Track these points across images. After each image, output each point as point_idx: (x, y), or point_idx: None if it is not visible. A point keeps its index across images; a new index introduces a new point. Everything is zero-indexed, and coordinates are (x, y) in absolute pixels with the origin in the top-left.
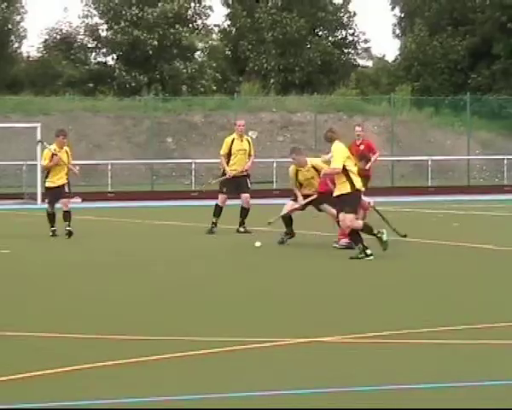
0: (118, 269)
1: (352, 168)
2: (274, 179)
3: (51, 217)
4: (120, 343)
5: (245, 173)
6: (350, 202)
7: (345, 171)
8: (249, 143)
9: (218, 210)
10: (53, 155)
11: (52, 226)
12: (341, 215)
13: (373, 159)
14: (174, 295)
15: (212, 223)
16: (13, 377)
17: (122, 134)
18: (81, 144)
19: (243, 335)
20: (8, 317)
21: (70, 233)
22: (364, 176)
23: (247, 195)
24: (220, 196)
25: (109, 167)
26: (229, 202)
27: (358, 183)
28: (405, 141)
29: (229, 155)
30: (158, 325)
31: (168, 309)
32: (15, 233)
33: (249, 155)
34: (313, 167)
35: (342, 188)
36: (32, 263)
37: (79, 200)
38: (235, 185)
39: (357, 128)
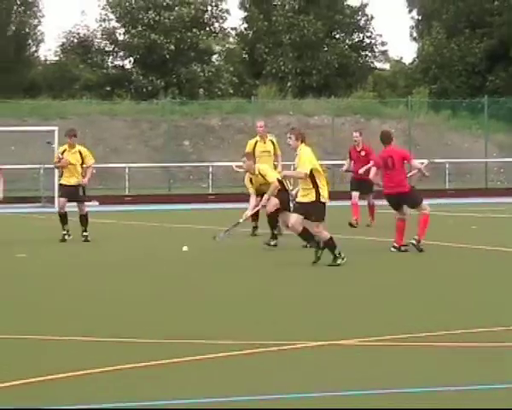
0: (136, 272)
1: (321, 177)
2: (291, 182)
3: (62, 218)
4: (138, 346)
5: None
6: (319, 213)
7: (312, 178)
8: (273, 143)
9: (254, 213)
10: (59, 157)
11: (63, 229)
12: (294, 216)
13: (368, 165)
14: (193, 297)
15: (253, 228)
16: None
17: (139, 137)
18: (98, 148)
19: (262, 337)
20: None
21: (87, 240)
22: (366, 180)
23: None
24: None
25: (126, 171)
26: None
27: (325, 195)
28: (423, 144)
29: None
30: (175, 328)
31: (187, 312)
32: (32, 237)
33: (275, 156)
34: (260, 174)
35: (306, 196)
36: (49, 267)
37: (96, 203)
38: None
39: (355, 134)
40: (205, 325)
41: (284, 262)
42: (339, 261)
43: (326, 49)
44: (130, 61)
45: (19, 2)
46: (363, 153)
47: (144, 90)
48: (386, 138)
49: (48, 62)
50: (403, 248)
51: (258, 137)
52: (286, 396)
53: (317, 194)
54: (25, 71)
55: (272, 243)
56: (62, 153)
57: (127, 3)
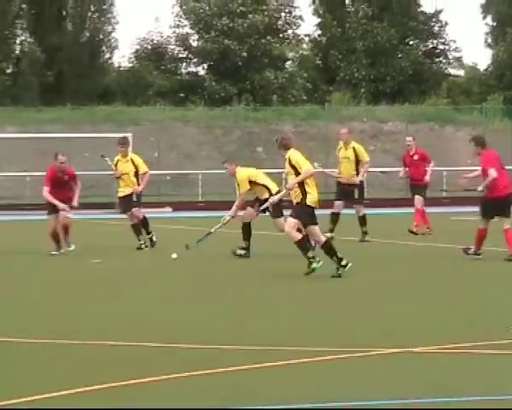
0: (213, 278)
1: (309, 182)
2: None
3: (135, 228)
4: (232, 352)
5: (352, 182)
6: (298, 213)
7: (302, 184)
8: (355, 150)
9: (333, 217)
10: (113, 169)
11: (139, 239)
12: (285, 219)
13: (430, 169)
14: (275, 303)
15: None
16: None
17: (212, 144)
18: (171, 154)
19: (339, 344)
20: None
21: (152, 243)
22: (421, 184)
23: (356, 205)
24: (334, 203)
25: (200, 177)
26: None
27: (311, 199)
28: (497, 150)
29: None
30: (265, 333)
31: (273, 318)
32: (106, 243)
33: (357, 164)
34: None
35: (295, 199)
36: (128, 273)
37: (170, 209)
38: (344, 194)
39: (408, 138)
40: (287, 331)
41: (377, 269)
42: (314, 265)
43: (400, 55)
44: (203, 68)
45: (93, 9)
46: (416, 157)
47: (217, 96)
48: (484, 142)
49: (122, 69)
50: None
51: (341, 143)
52: (384, 402)
53: (303, 197)
54: (99, 77)
55: (239, 252)
56: (116, 164)
57: (201, 10)
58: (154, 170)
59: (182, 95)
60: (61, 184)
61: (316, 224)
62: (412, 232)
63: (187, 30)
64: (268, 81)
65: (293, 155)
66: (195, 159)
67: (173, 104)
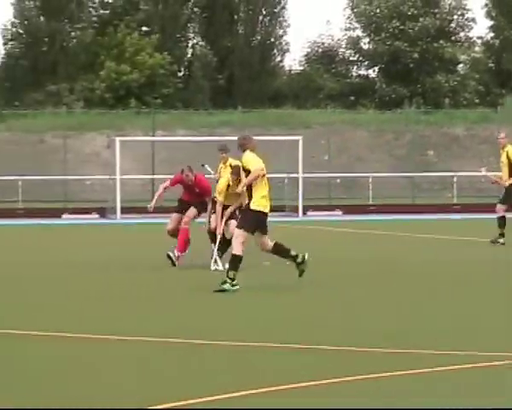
0: (377, 279)
1: (259, 186)
2: None
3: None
4: (384, 356)
5: (503, 185)
6: (245, 220)
7: (249, 187)
8: (507, 154)
9: (499, 221)
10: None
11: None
12: (232, 225)
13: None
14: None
15: (499, 234)
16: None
17: (383, 147)
18: (342, 157)
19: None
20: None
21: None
22: None
23: (498, 206)
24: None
25: (370, 180)
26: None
27: (259, 204)
28: None
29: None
30: (401, 338)
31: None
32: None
33: (510, 168)
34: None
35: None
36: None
37: (340, 212)
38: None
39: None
40: (430, 335)
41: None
42: (226, 286)
43: None
44: (374, 71)
45: (264, 13)
46: None
47: (388, 99)
48: None
49: (292, 72)
50: None
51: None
52: None
53: (249, 201)
54: (269, 80)
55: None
56: (219, 171)
57: (372, 13)
58: (325, 173)
59: (352, 98)
60: (190, 188)
61: (253, 233)
62: None
63: (358, 33)
64: (439, 84)
65: (246, 156)
66: (366, 162)
67: (344, 107)
